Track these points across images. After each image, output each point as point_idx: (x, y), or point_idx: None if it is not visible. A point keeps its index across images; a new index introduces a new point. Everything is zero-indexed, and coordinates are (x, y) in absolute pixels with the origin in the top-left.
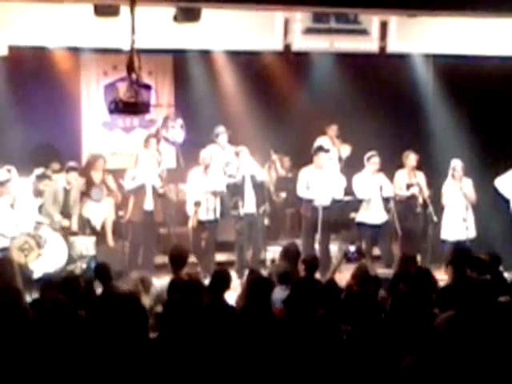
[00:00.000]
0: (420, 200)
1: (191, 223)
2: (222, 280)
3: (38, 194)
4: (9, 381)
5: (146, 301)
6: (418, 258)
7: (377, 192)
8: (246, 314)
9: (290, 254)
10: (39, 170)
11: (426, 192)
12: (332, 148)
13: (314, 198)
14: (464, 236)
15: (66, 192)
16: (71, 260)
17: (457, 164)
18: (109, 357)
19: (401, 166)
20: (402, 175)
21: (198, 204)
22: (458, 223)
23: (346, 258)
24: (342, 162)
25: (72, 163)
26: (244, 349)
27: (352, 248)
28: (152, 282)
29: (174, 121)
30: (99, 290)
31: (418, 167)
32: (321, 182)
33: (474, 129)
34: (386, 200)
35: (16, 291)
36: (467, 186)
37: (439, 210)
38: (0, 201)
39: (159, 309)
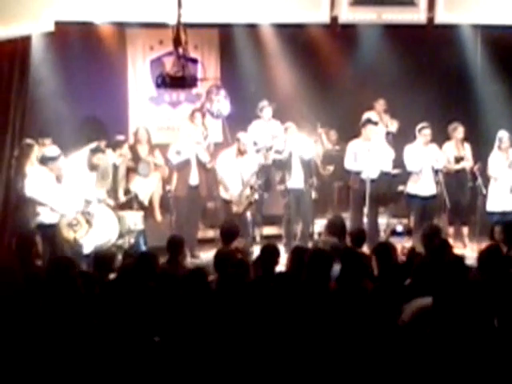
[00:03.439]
0: (469, 173)
1: (237, 208)
2: (271, 255)
3: (93, 168)
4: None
5: None
6: (466, 230)
7: (428, 164)
8: (306, 287)
9: (335, 227)
10: (93, 144)
11: (471, 163)
12: (379, 122)
13: (361, 170)
14: (510, 207)
15: (115, 168)
16: (120, 235)
17: (503, 135)
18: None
19: (447, 138)
20: (449, 148)
21: (253, 188)
22: (505, 195)
23: (393, 235)
24: (390, 137)
25: (120, 136)
26: (299, 321)
27: (399, 228)
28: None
29: (218, 93)
30: None
31: (466, 139)
32: (369, 155)
33: None
34: (435, 172)
35: (69, 261)
36: None
37: (485, 181)
38: (50, 177)
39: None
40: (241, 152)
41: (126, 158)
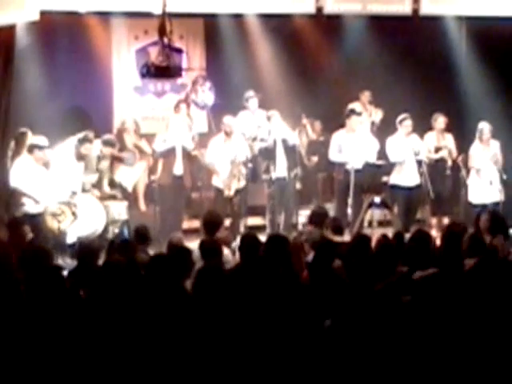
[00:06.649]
0: (449, 163)
1: (228, 192)
2: (250, 244)
3: (80, 158)
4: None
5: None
6: (446, 221)
7: (410, 154)
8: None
9: (318, 218)
10: (81, 134)
11: (455, 154)
12: (364, 113)
13: (346, 161)
14: (491, 199)
15: (99, 160)
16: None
17: (484, 127)
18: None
19: (430, 128)
20: (430, 138)
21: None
22: (485, 186)
23: (371, 207)
24: (375, 127)
25: (109, 136)
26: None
27: (377, 199)
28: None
29: (203, 84)
30: None
31: (448, 129)
32: (353, 145)
33: (506, 91)
34: (419, 162)
35: (46, 252)
36: (495, 148)
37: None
38: (37, 167)
39: None
40: (227, 134)
41: (107, 155)
